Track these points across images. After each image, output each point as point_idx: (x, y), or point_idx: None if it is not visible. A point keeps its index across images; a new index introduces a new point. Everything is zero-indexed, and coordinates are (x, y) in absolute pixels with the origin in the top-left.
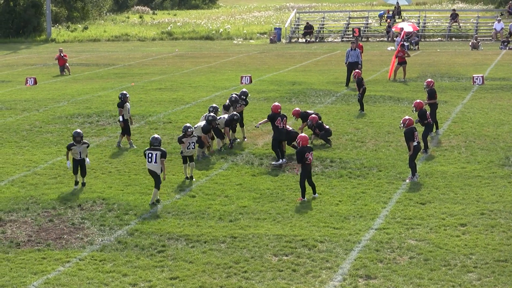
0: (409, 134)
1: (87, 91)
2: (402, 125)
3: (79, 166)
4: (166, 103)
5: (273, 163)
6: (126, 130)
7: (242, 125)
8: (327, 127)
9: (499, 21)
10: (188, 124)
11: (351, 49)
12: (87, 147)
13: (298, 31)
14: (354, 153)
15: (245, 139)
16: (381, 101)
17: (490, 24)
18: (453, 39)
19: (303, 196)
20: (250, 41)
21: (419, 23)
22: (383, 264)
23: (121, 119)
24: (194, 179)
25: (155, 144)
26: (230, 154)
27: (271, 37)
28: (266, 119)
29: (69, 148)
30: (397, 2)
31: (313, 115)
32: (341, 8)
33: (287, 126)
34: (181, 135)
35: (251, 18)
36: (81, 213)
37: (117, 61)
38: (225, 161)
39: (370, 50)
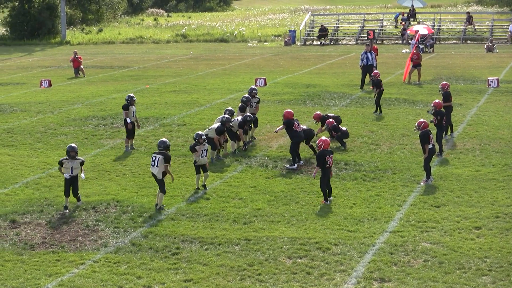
0: (424, 137)
1: (102, 93)
2: (417, 127)
3: (71, 186)
4: (181, 105)
5: (287, 166)
6: (130, 133)
7: (256, 125)
8: (344, 129)
9: None
10: (200, 132)
11: (366, 52)
12: (82, 163)
13: (312, 34)
14: (369, 156)
15: (254, 139)
16: (395, 104)
17: (505, 26)
18: (468, 41)
19: (326, 200)
20: (265, 43)
21: (434, 26)
22: (397, 267)
23: (129, 120)
24: (207, 189)
25: (159, 147)
26: (245, 157)
27: (286, 39)
28: (283, 125)
29: (60, 163)
30: (412, 5)
31: (330, 120)
32: (355, 11)
33: (302, 126)
34: (193, 143)
35: (266, 21)
36: (95, 215)
37: (131, 63)
38: (239, 163)
39: (384, 52)
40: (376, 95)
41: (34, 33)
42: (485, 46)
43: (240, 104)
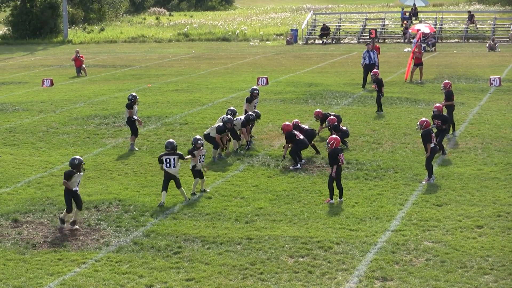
0: (426, 136)
1: (104, 92)
2: (419, 126)
3: (74, 199)
4: (183, 104)
5: (291, 167)
6: (134, 131)
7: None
8: (344, 128)
9: None
10: (198, 136)
11: (368, 51)
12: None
13: (314, 33)
14: (371, 155)
15: (254, 137)
16: (397, 103)
17: (507, 25)
18: (470, 40)
19: (331, 198)
20: (267, 42)
21: (436, 25)
22: (399, 266)
23: (135, 117)
24: (208, 190)
25: (167, 148)
26: (246, 156)
27: (288, 38)
28: (287, 143)
29: (69, 177)
30: (414, 3)
31: (332, 117)
32: (357, 10)
33: (303, 125)
34: (191, 148)
35: (268, 20)
36: (97, 214)
37: (133, 62)
38: (241, 162)
39: (387, 51)
40: (379, 94)
41: (36, 32)
42: (487, 45)
43: (249, 95)
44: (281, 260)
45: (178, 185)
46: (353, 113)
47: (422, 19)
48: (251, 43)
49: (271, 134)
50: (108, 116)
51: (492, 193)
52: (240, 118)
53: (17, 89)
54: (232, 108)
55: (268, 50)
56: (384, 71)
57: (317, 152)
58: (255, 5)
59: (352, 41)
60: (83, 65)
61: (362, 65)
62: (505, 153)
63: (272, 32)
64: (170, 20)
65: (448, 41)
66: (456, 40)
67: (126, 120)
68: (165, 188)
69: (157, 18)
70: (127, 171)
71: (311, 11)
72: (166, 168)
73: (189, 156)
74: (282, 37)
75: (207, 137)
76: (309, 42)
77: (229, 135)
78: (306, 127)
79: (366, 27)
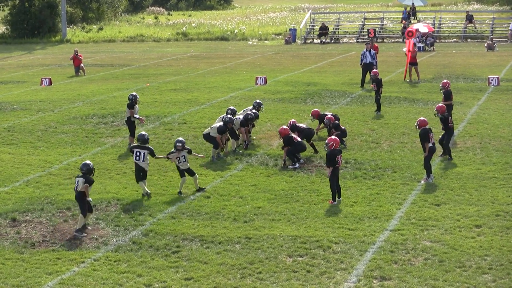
0: (424, 135)
1: (102, 91)
2: (417, 126)
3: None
4: (181, 103)
5: (289, 166)
6: (132, 131)
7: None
8: (342, 127)
9: None
10: (180, 138)
11: (366, 50)
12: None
13: (313, 32)
14: (369, 154)
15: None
16: (396, 102)
17: (505, 25)
18: (469, 40)
19: (334, 199)
20: (265, 42)
21: (434, 24)
22: (398, 266)
23: (137, 116)
24: (205, 189)
25: (178, 145)
26: (245, 155)
27: (286, 38)
28: (286, 147)
29: (92, 182)
30: (413, 3)
31: (330, 116)
32: (356, 9)
33: (301, 125)
34: (171, 151)
35: (266, 19)
36: (96, 213)
37: (132, 61)
38: (239, 162)
39: (385, 51)
40: (377, 94)
41: (34, 31)
42: (486, 45)
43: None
44: (280, 259)
45: (142, 178)
46: (352, 113)
47: (421, 18)
48: (250, 43)
49: (270, 133)
50: (107, 115)
51: (490, 193)
52: (239, 118)
53: (16, 88)
54: (231, 107)
55: (267, 50)
56: (383, 70)
57: (316, 151)
58: (254, 5)
59: (350, 41)
60: (82, 65)
61: (361, 64)
62: (503, 152)
63: (271, 31)
64: (169, 20)
65: (446, 40)
66: (455, 39)
67: (126, 119)
68: (138, 179)
69: (155, 18)
70: (126, 171)
71: (310, 11)
72: (135, 161)
73: (163, 156)
74: (280, 36)
75: (207, 136)
76: (308, 41)
77: (228, 134)
78: (304, 126)
79: (364, 26)
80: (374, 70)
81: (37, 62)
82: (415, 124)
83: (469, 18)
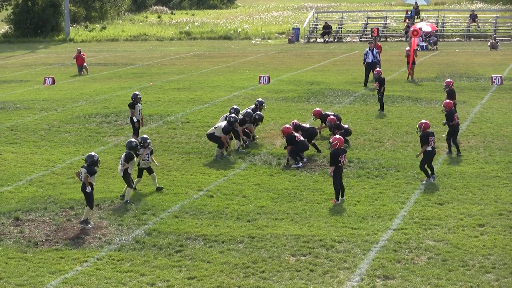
0: (425, 138)
1: (105, 90)
2: (418, 129)
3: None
4: (184, 103)
5: (292, 165)
6: (136, 130)
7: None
8: (346, 126)
9: None
10: (145, 136)
11: (370, 49)
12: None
13: (316, 31)
14: (372, 153)
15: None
16: (399, 101)
17: (509, 24)
18: (472, 39)
19: (337, 199)
20: (268, 41)
21: (437, 23)
22: (401, 265)
23: (135, 119)
24: (162, 188)
25: (126, 146)
26: (248, 154)
27: (289, 37)
28: (288, 145)
29: (93, 173)
30: (416, 2)
31: (332, 117)
32: (359, 8)
33: (304, 124)
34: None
35: (269, 18)
36: (99, 212)
37: (135, 60)
38: (243, 161)
39: (388, 50)
40: (379, 92)
41: (37, 30)
42: (489, 44)
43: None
44: (283, 258)
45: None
46: (355, 112)
47: (424, 17)
48: (253, 42)
49: (273, 132)
50: (110, 114)
51: (493, 192)
52: (241, 117)
53: (19, 88)
54: (235, 106)
55: (270, 49)
56: (386, 69)
57: (318, 150)
58: (257, 4)
59: (354, 40)
60: (85, 64)
61: (364, 63)
62: (506, 151)
63: (274, 30)
64: (172, 19)
65: (450, 39)
66: (458, 38)
67: (130, 118)
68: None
69: (159, 17)
70: None
71: (313, 10)
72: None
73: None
74: (284, 35)
75: (210, 136)
76: (311, 40)
77: (231, 134)
78: (307, 125)
79: (368, 25)
80: (377, 69)
81: (40, 61)
82: (418, 126)
83: (473, 17)
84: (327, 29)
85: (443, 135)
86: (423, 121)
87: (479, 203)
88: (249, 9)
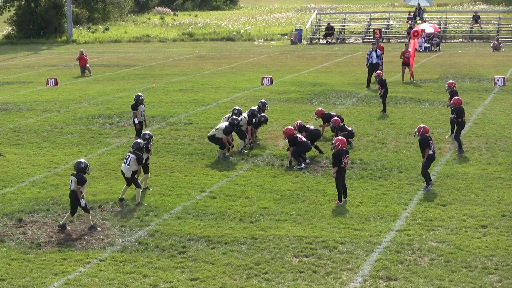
0: (424, 142)
1: (108, 92)
2: (417, 133)
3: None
4: (187, 104)
5: (295, 167)
6: (138, 132)
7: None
8: (349, 128)
9: None
10: (138, 140)
11: (372, 50)
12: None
13: (319, 32)
14: (375, 155)
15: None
16: (402, 102)
17: (511, 25)
18: (474, 40)
19: (340, 200)
20: (271, 42)
21: (440, 24)
22: (404, 266)
23: (136, 121)
24: (151, 189)
25: (133, 147)
26: (251, 156)
27: (292, 38)
28: (291, 147)
29: (84, 182)
30: (418, 3)
31: (336, 118)
32: (362, 10)
33: (308, 125)
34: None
35: (272, 19)
36: (102, 214)
37: (138, 62)
38: (245, 162)
39: (391, 51)
40: (381, 94)
41: (40, 32)
42: (492, 45)
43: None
44: (286, 259)
45: (128, 184)
46: (358, 113)
47: (427, 19)
48: (256, 43)
49: (276, 133)
50: (113, 115)
51: (496, 193)
52: (245, 117)
53: (22, 89)
54: (237, 107)
55: (273, 50)
56: (389, 70)
57: (321, 152)
58: (260, 5)
59: (356, 41)
60: (88, 65)
61: (367, 65)
62: (509, 152)
63: (277, 32)
64: (175, 20)
65: (452, 41)
66: (461, 40)
67: (132, 120)
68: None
69: (161, 18)
70: None
71: (316, 11)
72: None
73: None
74: (286, 37)
75: (212, 138)
76: (314, 42)
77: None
78: (312, 127)
79: (370, 27)
80: (378, 71)
81: (43, 63)
82: (416, 130)
83: (476, 19)
84: (329, 31)
85: (446, 136)
86: (422, 125)
87: (481, 204)
88: (251, 10)
